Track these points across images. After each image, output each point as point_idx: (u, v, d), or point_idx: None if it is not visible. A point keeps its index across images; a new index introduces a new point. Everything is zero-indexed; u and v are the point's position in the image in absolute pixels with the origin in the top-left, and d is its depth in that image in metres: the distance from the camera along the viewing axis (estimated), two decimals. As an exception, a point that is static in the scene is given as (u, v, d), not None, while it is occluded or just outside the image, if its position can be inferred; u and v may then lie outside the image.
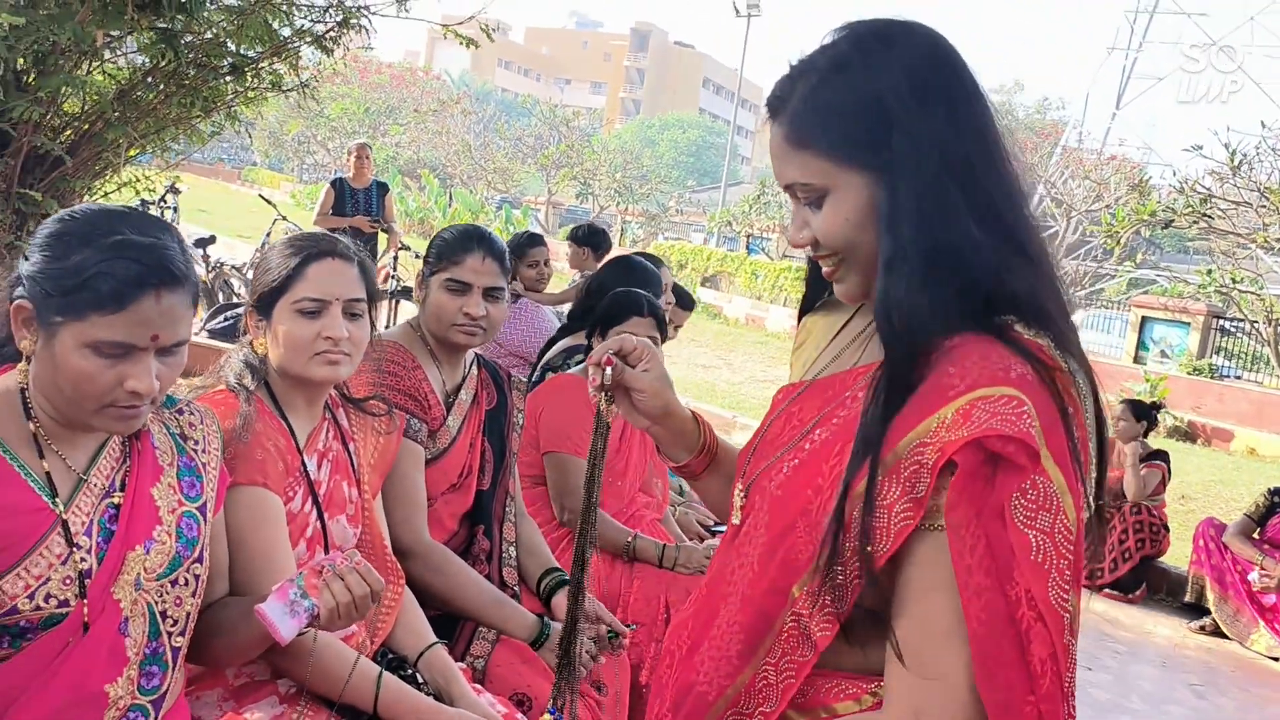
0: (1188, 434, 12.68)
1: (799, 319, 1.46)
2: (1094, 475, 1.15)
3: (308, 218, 9.30)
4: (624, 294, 3.30)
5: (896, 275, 1.12)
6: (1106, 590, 6.18)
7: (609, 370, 1.45)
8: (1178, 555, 6.41)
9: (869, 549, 1.10)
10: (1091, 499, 1.13)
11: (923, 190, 1.12)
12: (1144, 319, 16.83)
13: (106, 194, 5.02)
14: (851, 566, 1.11)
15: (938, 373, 1.10)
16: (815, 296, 1.43)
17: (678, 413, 1.51)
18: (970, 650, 1.03)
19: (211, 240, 10.33)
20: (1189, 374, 14.74)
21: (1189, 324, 16.23)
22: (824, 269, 1.25)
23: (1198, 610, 5.87)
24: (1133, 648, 5.40)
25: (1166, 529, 6.30)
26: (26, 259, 1.46)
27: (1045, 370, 1.09)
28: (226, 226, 15.75)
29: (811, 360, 1.36)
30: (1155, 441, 7.85)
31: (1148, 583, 6.25)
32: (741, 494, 1.30)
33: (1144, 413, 6.51)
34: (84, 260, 1.40)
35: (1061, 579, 1.03)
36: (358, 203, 8.71)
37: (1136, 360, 16.24)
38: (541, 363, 3.93)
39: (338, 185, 8.80)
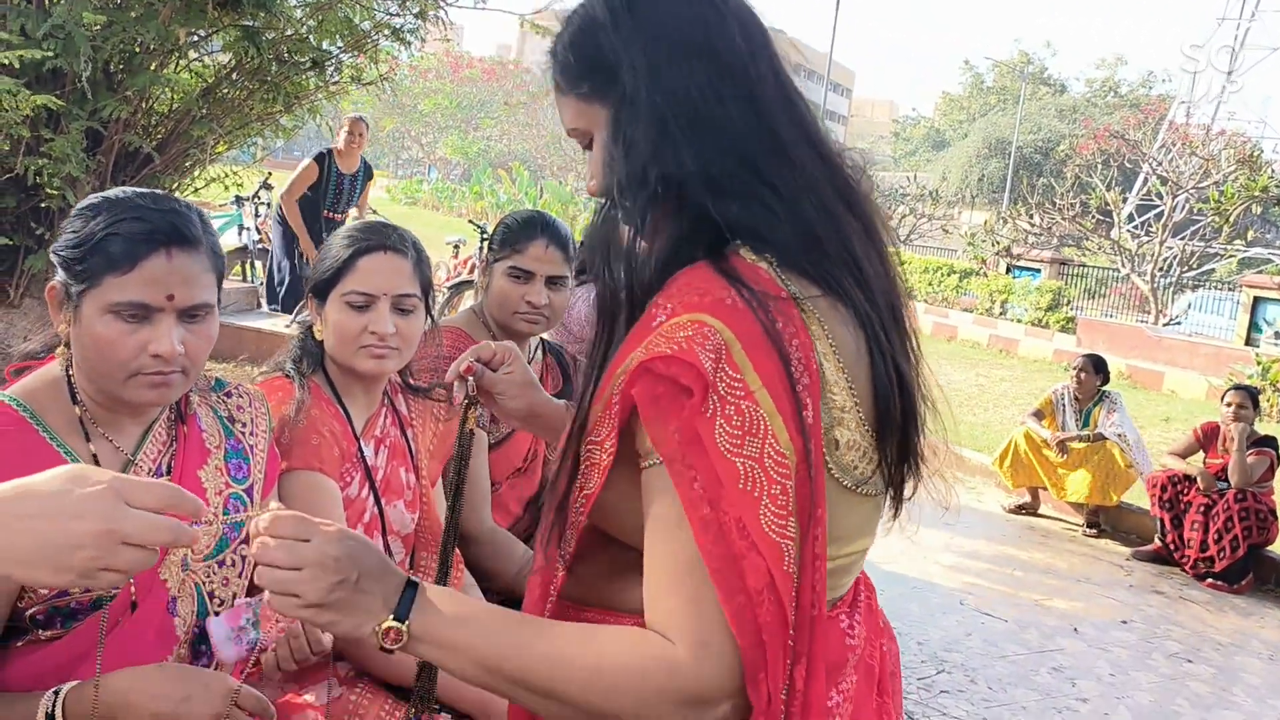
0: (1303, 418, 12.12)
1: None
2: (855, 402, 1.12)
3: (401, 212, 9.35)
4: None
5: (621, 207, 1.14)
6: (1210, 580, 5.94)
7: (470, 380, 1.50)
8: (1288, 544, 6.14)
9: (582, 491, 1.11)
10: (856, 426, 1.11)
11: (638, 121, 1.12)
12: (1256, 299, 16.12)
13: (196, 190, 5.16)
14: (577, 509, 1.13)
15: (653, 304, 1.10)
16: None
17: (545, 410, 1.54)
18: (712, 579, 1.01)
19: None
20: (1304, 356, 14.07)
21: (1307, 304, 15.50)
22: None
23: (1310, 602, 5.62)
24: (1237, 640, 5.17)
25: (1275, 516, 6.02)
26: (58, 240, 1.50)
27: (754, 296, 1.06)
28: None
29: None
30: (1267, 427, 7.54)
31: (1255, 572, 5.98)
32: None
33: (1257, 399, 6.26)
34: (100, 224, 1.44)
35: (775, 505, 1.01)
36: (341, 190, 7.87)
37: (1249, 342, 15.58)
38: None
39: (322, 162, 7.77)
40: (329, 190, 7.86)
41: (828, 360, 1.09)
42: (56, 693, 1.37)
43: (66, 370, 1.52)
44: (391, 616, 1.06)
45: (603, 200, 1.21)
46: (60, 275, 1.47)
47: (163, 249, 1.44)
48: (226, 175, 5.36)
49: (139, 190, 1.51)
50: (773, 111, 1.15)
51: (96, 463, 1.50)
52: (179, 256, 1.46)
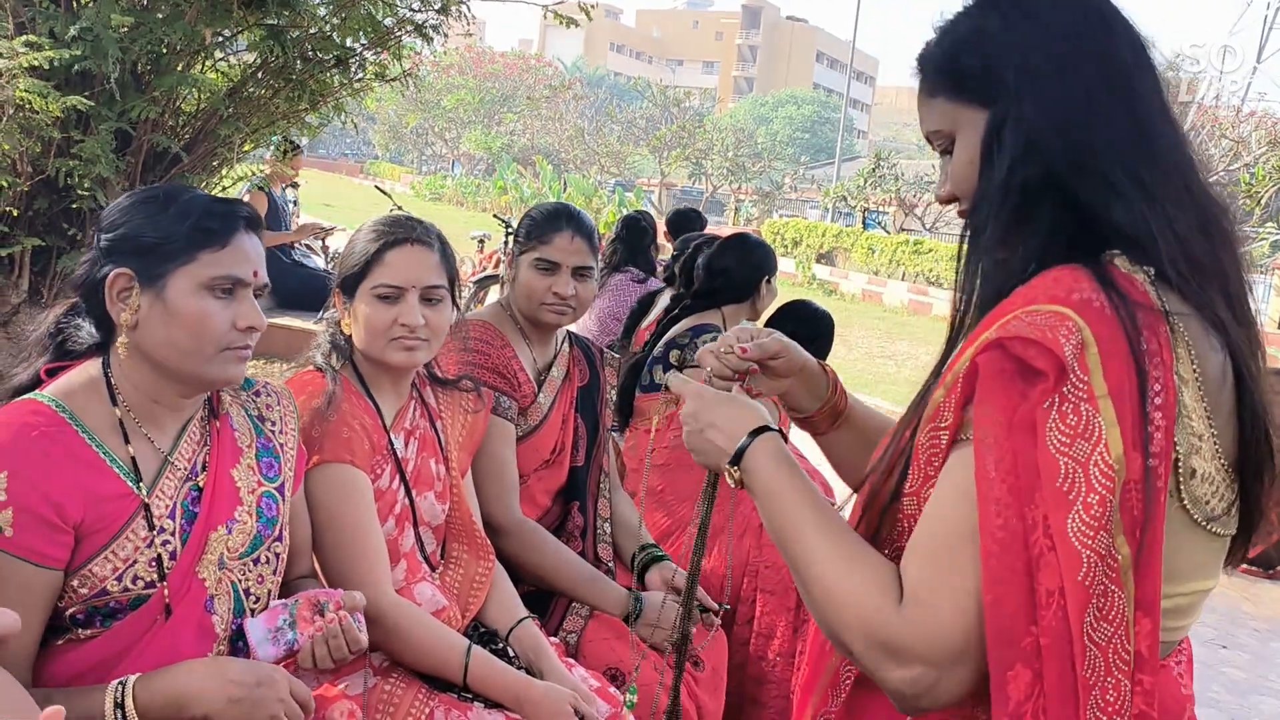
0: (1338, 403, 11.93)
1: None
2: (1213, 432, 1.08)
3: (426, 208, 9.37)
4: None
5: (983, 212, 1.14)
6: (1245, 566, 5.88)
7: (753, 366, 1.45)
8: (1324, 529, 6.06)
9: (927, 482, 1.11)
10: (1211, 457, 1.08)
11: (1020, 122, 1.13)
12: (1289, 282, 15.92)
13: (224, 188, 5.20)
14: (915, 500, 1.13)
15: (1014, 294, 1.09)
16: None
17: (807, 365, 1.53)
18: (981, 566, 1.00)
19: (329, 232, 10.62)
20: (1339, 339, 13.87)
21: (1340, 286, 15.27)
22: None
23: (1346, 587, 5.55)
24: (1274, 625, 5.13)
25: (1311, 501, 5.94)
26: (105, 234, 1.52)
27: (1125, 304, 1.03)
28: (349, 219, 16.19)
29: None
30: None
31: (1290, 558, 5.91)
32: None
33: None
34: (185, 207, 1.51)
35: (1088, 513, 0.97)
36: (285, 212, 7.98)
37: (1282, 326, 15.38)
38: (665, 339, 3.84)
39: (268, 193, 7.59)
40: (279, 219, 8.00)
41: (1187, 386, 1.06)
42: (123, 684, 1.40)
43: (105, 370, 1.54)
44: (729, 460, 1.25)
45: (948, 206, 1.25)
46: (124, 263, 1.49)
47: (245, 228, 1.54)
48: (254, 173, 5.40)
49: (171, 185, 1.56)
50: (1153, 124, 1.14)
51: (134, 464, 1.52)
52: (253, 236, 1.55)
